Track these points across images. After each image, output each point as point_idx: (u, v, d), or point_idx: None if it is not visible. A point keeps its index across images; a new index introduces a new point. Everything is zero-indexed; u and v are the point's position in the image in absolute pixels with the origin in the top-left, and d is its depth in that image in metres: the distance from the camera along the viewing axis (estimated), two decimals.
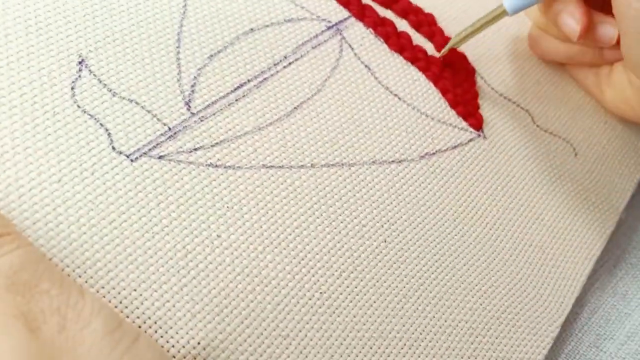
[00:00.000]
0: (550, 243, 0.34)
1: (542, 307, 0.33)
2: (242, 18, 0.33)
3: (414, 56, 0.35)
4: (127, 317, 0.24)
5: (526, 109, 0.38)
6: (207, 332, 0.25)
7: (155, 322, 0.25)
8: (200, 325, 0.25)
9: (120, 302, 0.25)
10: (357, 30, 0.35)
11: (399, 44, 0.35)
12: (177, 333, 0.25)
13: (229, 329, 0.26)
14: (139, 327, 0.25)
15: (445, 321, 0.30)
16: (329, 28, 0.35)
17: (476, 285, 0.31)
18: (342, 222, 0.30)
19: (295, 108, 0.32)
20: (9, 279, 0.22)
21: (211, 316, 0.26)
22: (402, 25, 0.37)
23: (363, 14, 0.36)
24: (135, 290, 0.25)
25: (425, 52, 0.36)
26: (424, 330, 0.29)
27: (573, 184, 0.37)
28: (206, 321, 0.25)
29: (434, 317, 0.30)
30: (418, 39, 0.37)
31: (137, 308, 0.25)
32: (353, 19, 0.36)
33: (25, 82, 0.27)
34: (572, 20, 0.34)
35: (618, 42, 0.35)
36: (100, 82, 0.28)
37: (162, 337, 0.25)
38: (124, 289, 0.25)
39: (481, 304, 0.31)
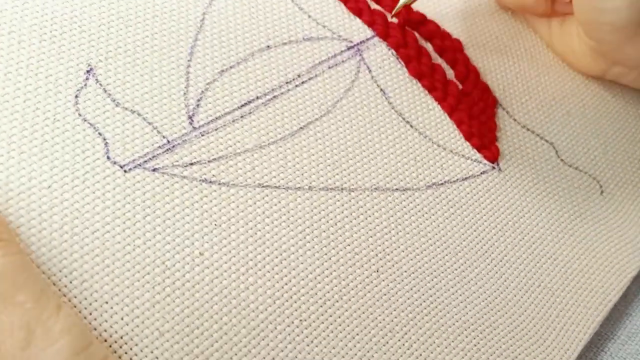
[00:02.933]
0: (562, 285, 0.30)
1: (543, 353, 0.29)
2: (260, 34, 0.31)
3: (432, 85, 0.32)
4: (95, 329, 0.23)
5: (551, 142, 0.34)
6: (173, 352, 0.23)
7: (122, 337, 0.23)
8: (166, 345, 0.23)
9: (90, 314, 0.23)
10: (379, 52, 0.32)
11: (418, 69, 0.32)
12: (141, 351, 0.23)
13: (197, 351, 0.23)
14: (105, 340, 0.23)
15: None
16: (349, 48, 0.32)
17: (472, 325, 0.28)
18: (333, 249, 0.27)
19: (301, 128, 0.29)
20: None
21: (180, 336, 0.23)
22: (427, 48, 0.34)
23: (387, 34, 0.33)
24: (107, 302, 0.23)
25: (444, 79, 0.32)
26: None
27: (595, 223, 0.33)
28: (174, 341, 0.23)
29: (421, 354, 0.26)
30: (441, 64, 0.33)
31: (106, 321, 0.23)
32: (376, 39, 0.33)
33: (31, 88, 0.26)
34: None
35: None
36: (105, 91, 0.27)
37: (126, 353, 0.23)
38: (96, 301, 0.23)
39: (475, 345, 0.28)
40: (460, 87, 0.33)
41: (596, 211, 0.33)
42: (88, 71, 0.27)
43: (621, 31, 0.32)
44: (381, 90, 0.32)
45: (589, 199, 0.33)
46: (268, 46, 0.31)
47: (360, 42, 0.33)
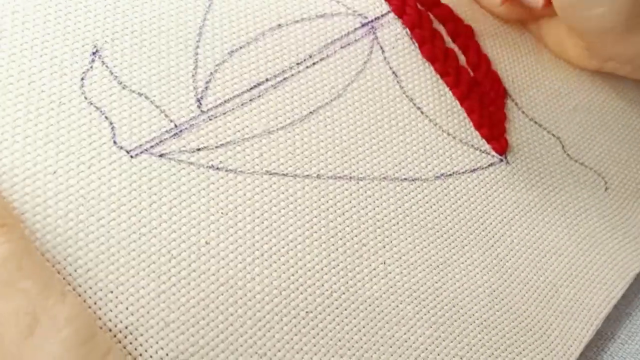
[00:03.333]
0: (566, 281, 0.30)
1: (547, 349, 0.28)
2: (271, 13, 0.30)
3: (445, 70, 0.31)
4: (100, 318, 0.22)
5: (557, 136, 0.33)
6: (178, 343, 0.23)
7: (127, 327, 0.22)
8: (172, 335, 0.23)
9: (95, 303, 0.22)
10: (393, 31, 0.31)
11: (432, 52, 0.31)
12: (146, 341, 0.22)
13: (202, 342, 0.23)
14: (110, 330, 0.22)
15: (439, 354, 0.26)
16: (363, 25, 0.31)
17: (477, 319, 0.27)
18: (340, 239, 0.26)
19: (310, 112, 0.28)
20: None
21: (185, 327, 0.23)
22: (440, 31, 0.32)
23: (403, 11, 0.31)
24: (111, 292, 0.23)
25: (456, 65, 0.31)
26: None
27: (599, 220, 0.32)
28: (179, 331, 0.23)
29: (427, 348, 0.26)
30: (454, 49, 0.32)
31: (111, 311, 0.22)
32: (391, 16, 0.31)
33: (36, 70, 0.25)
34: None
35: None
36: (112, 74, 0.26)
37: (131, 343, 0.22)
38: (101, 290, 0.22)
39: (480, 340, 0.27)
40: (472, 74, 0.32)
41: (600, 207, 0.32)
42: (94, 53, 0.26)
43: (608, 34, 0.31)
44: (393, 72, 0.30)
45: (593, 195, 0.33)
46: (279, 25, 0.30)
47: (375, 19, 0.31)
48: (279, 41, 0.29)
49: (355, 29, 0.31)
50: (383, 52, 0.31)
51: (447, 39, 0.33)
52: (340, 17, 0.31)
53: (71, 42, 0.26)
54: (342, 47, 0.30)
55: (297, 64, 0.29)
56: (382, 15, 0.31)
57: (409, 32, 0.31)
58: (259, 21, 0.29)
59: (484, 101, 0.31)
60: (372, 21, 0.31)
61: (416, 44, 0.31)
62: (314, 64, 0.29)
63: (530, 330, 0.28)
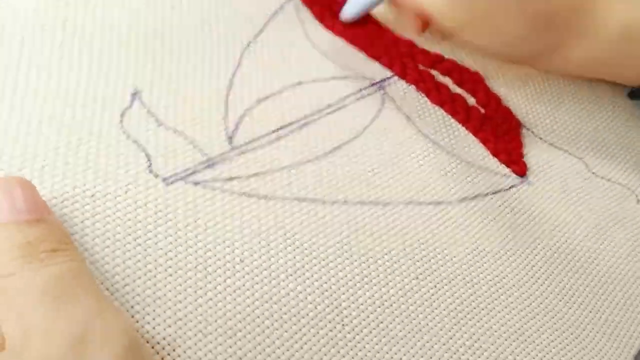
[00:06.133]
0: (607, 289, 0.28)
1: (596, 357, 0.26)
2: (292, 72, 0.31)
3: (454, 110, 0.31)
4: (137, 331, 0.21)
5: (579, 157, 0.32)
6: (216, 354, 0.21)
7: (164, 338, 0.21)
8: (210, 347, 0.21)
9: (133, 316, 0.21)
10: (400, 87, 0.32)
11: (439, 98, 0.32)
12: (184, 352, 0.21)
13: (240, 353, 0.21)
14: (147, 341, 0.21)
15: None
16: (372, 84, 0.32)
17: (518, 330, 0.25)
18: (371, 257, 0.25)
19: (334, 149, 0.28)
20: (47, 291, 0.19)
21: (223, 338, 0.22)
22: (446, 82, 0.33)
23: (405, 73, 0.32)
24: (149, 305, 0.22)
25: (465, 105, 0.32)
26: None
27: (634, 230, 0.31)
28: (217, 342, 0.21)
29: (468, 359, 0.24)
30: (461, 94, 0.33)
31: (149, 323, 0.21)
32: (395, 78, 0.32)
33: (79, 105, 0.25)
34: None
35: None
36: (149, 112, 0.26)
37: (169, 354, 0.21)
38: (138, 304, 0.21)
39: (524, 349, 0.25)
40: (483, 111, 0.32)
41: (634, 218, 0.31)
42: (134, 94, 0.27)
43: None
44: (406, 116, 0.31)
45: (625, 207, 0.31)
46: (300, 82, 0.30)
47: (382, 80, 0.32)
48: (300, 94, 0.30)
49: (366, 87, 0.32)
50: (394, 101, 0.31)
51: (454, 87, 0.33)
52: (351, 79, 0.32)
53: (113, 84, 0.26)
54: (356, 100, 0.31)
55: (318, 111, 0.30)
56: (388, 78, 0.32)
57: (414, 87, 0.32)
58: (283, 78, 0.30)
59: (498, 132, 0.31)
60: (380, 82, 0.32)
61: (423, 94, 0.32)
62: (333, 111, 0.30)
63: (577, 337, 0.26)
